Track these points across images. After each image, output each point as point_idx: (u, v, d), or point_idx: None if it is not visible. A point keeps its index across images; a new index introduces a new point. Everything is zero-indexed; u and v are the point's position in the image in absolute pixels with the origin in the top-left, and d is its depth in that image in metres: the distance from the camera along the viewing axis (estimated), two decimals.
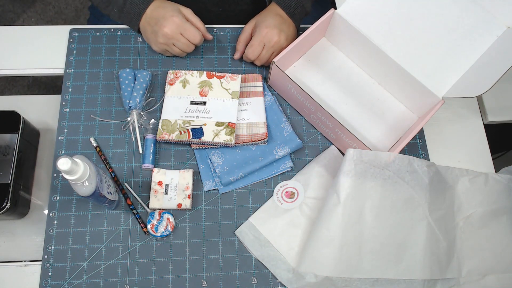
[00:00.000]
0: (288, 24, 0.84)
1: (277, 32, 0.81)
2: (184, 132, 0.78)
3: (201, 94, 0.82)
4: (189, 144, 0.80)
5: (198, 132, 0.78)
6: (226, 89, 0.82)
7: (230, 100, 0.81)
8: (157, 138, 0.78)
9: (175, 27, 0.78)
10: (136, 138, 0.80)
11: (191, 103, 0.81)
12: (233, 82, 0.83)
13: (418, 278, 0.71)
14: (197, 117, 0.79)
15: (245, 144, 0.80)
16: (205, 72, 0.84)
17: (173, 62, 0.87)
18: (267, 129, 0.80)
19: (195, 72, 0.84)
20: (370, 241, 0.71)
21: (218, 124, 0.79)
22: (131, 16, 0.81)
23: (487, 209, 0.80)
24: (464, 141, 0.88)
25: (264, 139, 0.79)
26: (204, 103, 0.81)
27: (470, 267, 0.76)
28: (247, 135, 0.80)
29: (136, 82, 0.81)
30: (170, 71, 0.84)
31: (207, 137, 0.77)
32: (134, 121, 0.80)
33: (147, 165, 0.77)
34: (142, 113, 0.81)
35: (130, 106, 0.79)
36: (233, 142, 0.77)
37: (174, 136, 0.78)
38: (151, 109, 0.82)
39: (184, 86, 0.82)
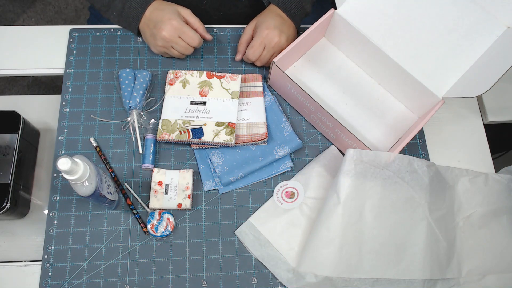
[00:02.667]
0: (289, 25, 0.84)
1: (278, 33, 0.81)
2: (184, 132, 0.78)
3: (201, 94, 0.82)
4: (189, 144, 0.80)
5: (198, 132, 0.78)
6: (226, 89, 0.82)
7: (230, 100, 0.81)
8: (157, 138, 0.78)
9: (173, 30, 0.78)
10: (136, 138, 0.80)
11: (191, 103, 0.81)
12: (233, 82, 0.83)
13: (418, 278, 0.71)
14: (197, 117, 0.79)
15: (245, 144, 0.80)
16: (205, 72, 0.84)
17: (173, 62, 0.87)
18: (267, 129, 0.80)
19: (195, 72, 0.84)
20: (370, 241, 0.71)
21: (218, 124, 0.79)
22: (130, 20, 0.81)
23: (487, 209, 0.80)
24: (464, 141, 0.88)
25: (264, 139, 0.79)
26: (204, 103, 0.81)
27: (470, 267, 0.76)
28: (247, 135, 0.80)
29: (136, 82, 0.81)
30: (170, 71, 0.84)
31: (207, 137, 0.77)
32: (134, 121, 0.80)
33: (147, 165, 0.77)
34: (142, 113, 0.81)
35: (130, 106, 0.79)
36: (233, 142, 0.77)
37: (174, 136, 0.78)
38: (151, 109, 0.82)
39: (184, 86, 0.82)
